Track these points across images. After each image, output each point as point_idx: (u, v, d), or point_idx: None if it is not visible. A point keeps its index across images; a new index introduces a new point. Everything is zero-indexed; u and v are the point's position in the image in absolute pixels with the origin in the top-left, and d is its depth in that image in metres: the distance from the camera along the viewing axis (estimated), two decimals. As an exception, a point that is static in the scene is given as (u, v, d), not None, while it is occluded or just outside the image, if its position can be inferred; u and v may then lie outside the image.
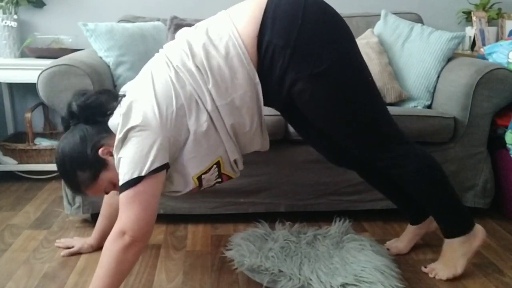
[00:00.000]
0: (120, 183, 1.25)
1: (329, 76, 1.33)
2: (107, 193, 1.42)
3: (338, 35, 1.36)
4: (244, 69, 1.32)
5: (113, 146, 1.29)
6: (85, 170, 1.33)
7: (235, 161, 1.42)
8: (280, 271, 1.51)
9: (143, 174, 1.23)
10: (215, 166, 1.38)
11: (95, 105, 1.36)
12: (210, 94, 1.30)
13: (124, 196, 1.24)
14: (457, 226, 1.53)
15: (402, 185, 1.54)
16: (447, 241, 1.55)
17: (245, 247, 1.64)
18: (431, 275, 1.56)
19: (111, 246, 1.24)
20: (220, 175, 1.42)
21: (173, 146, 1.29)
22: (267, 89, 1.37)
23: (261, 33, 1.32)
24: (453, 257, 1.55)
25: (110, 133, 1.33)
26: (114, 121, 1.31)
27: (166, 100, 1.28)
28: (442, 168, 1.51)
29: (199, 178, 1.37)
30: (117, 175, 1.28)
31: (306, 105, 1.40)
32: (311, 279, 1.46)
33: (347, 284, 1.43)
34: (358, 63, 1.39)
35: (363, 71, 1.40)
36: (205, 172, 1.37)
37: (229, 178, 1.47)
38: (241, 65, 1.31)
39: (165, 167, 1.27)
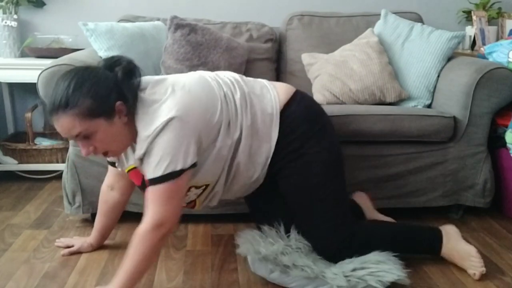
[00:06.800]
0: (160, 173, 1.26)
1: (315, 157, 1.47)
2: (90, 151, 1.30)
3: (327, 131, 1.53)
4: (269, 129, 1.45)
5: (126, 112, 1.29)
6: (95, 102, 1.24)
7: (214, 195, 1.48)
8: (295, 265, 1.49)
9: (186, 167, 1.27)
10: (204, 186, 1.43)
11: (138, 71, 1.35)
12: (241, 130, 1.40)
13: (164, 189, 1.27)
14: (430, 251, 1.62)
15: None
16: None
17: (258, 237, 1.56)
18: (475, 278, 1.54)
19: (149, 237, 1.27)
20: (194, 199, 1.48)
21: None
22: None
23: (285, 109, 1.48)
24: (459, 258, 1.58)
25: (135, 102, 1.30)
26: (156, 94, 1.32)
27: (212, 109, 1.36)
28: (386, 228, 1.61)
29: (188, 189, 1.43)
30: (110, 135, 1.28)
31: (287, 178, 1.49)
32: (324, 271, 1.46)
33: (355, 268, 1.44)
34: (339, 149, 1.55)
35: (341, 157, 1.55)
36: (196, 187, 1.42)
37: (193, 207, 1.52)
38: (270, 126, 1.45)
39: (196, 164, 1.33)
